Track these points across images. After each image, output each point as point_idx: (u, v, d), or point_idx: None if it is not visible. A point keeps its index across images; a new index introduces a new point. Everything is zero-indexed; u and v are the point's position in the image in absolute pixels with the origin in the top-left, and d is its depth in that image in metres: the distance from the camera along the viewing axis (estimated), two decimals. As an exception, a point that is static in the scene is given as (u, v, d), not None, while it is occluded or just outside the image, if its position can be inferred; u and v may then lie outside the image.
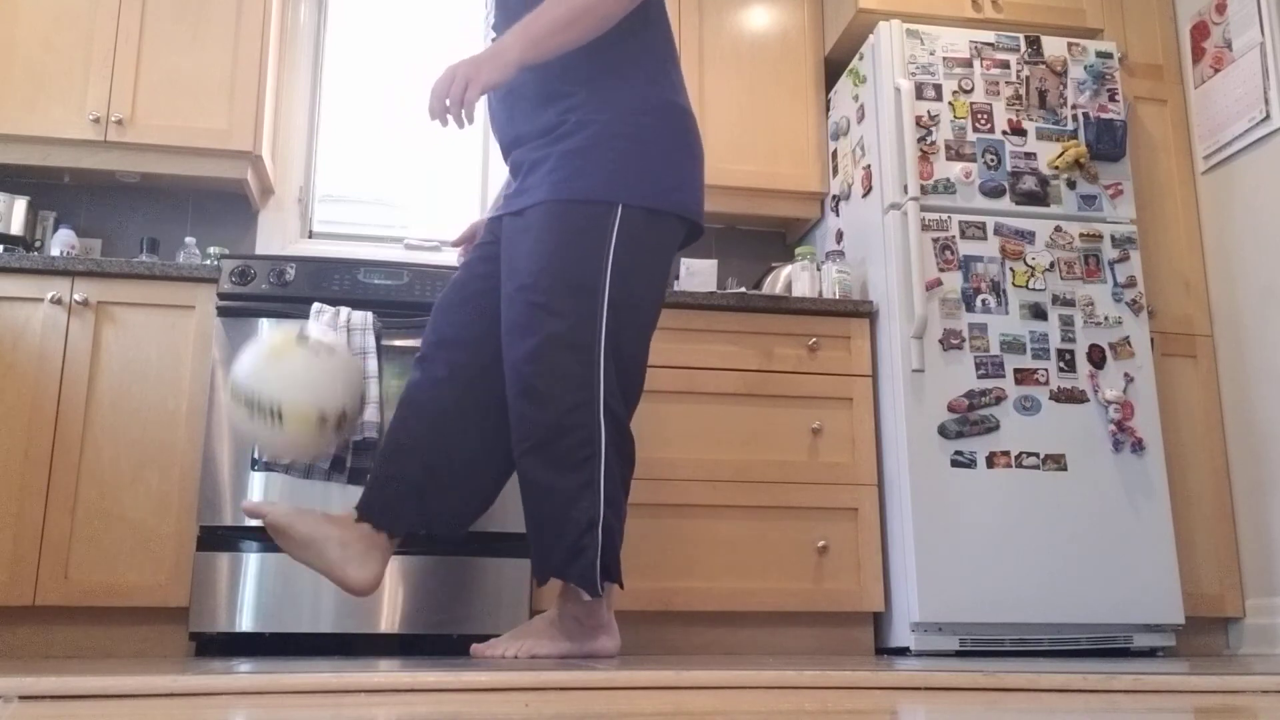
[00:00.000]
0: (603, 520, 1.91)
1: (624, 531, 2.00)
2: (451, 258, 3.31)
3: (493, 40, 2.12)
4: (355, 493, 2.56)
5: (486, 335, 2.08)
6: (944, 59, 3.08)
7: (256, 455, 2.57)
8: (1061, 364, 2.93)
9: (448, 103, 1.88)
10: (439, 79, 1.90)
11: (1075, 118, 3.11)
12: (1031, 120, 3.09)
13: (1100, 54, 3.18)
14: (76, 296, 2.64)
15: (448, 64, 1.91)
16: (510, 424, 1.99)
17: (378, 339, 2.54)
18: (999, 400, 2.87)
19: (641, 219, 2.00)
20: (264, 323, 2.65)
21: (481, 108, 2.89)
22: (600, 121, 2.02)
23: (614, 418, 1.95)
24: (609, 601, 2.02)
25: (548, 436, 1.93)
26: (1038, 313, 2.95)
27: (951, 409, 2.84)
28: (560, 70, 2.05)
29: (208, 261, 2.95)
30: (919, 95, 3.04)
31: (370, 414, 2.49)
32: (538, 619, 2.07)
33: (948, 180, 3.00)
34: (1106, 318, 2.98)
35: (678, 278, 3.45)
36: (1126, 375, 2.95)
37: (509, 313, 2.01)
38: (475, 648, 2.05)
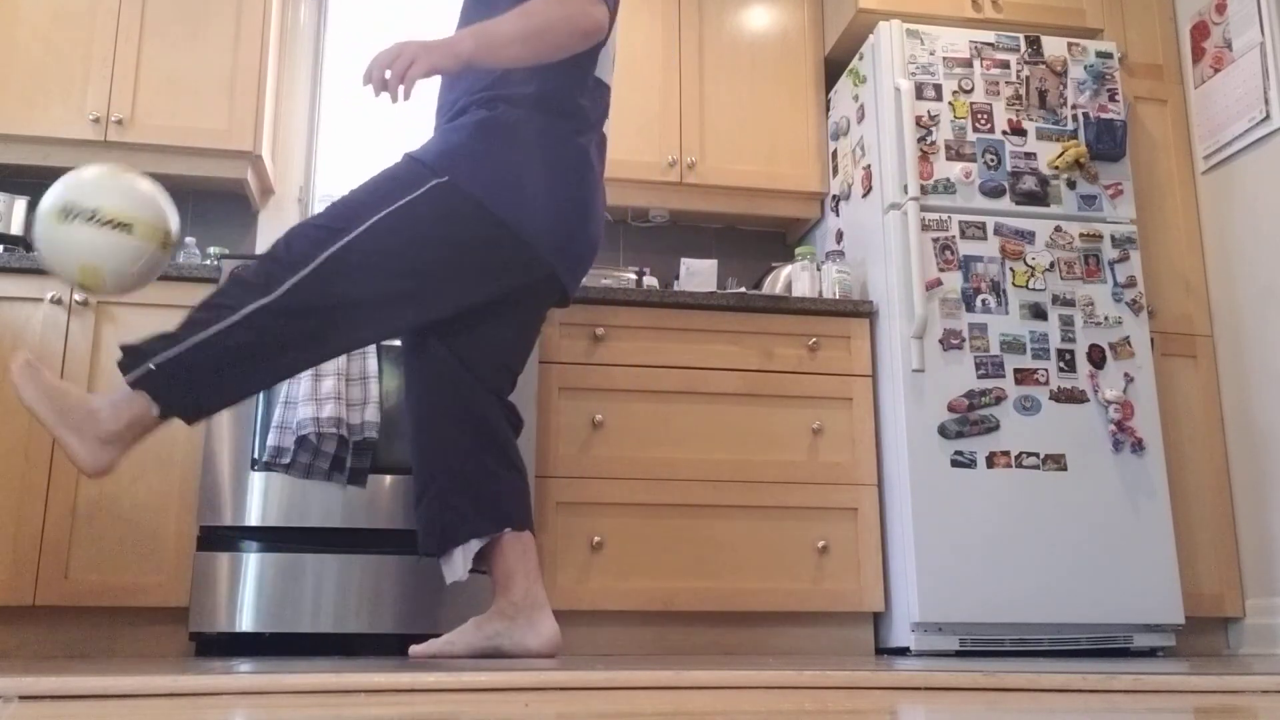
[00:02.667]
0: (185, 348, 1.86)
1: (201, 389, 1.90)
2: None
3: None
4: (355, 493, 2.57)
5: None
6: (944, 59, 3.08)
7: (257, 455, 2.56)
8: (1061, 364, 2.93)
9: (388, 74, 1.87)
10: (384, 50, 1.89)
11: (1075, 118, 3.11)
12: (1031, 120, 3.09)
13: (1100, 54, 3.18)
14: (76, 296, 2.64)
15: (395, 44, 1.90)
16: None
17: (377, 339, 2.53)
18: (999, 400, 2.87)
19: (459, 203, 1.96)
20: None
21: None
22: (496, 120, 2.02)
23: (285, 306, 1.90)
24: (126, 423, 1.89)
25: (238, 273, 1.95)
26: (1038, 313, 2.95)
27: (951, 409, 2.84)
28: (488, 83, 2.06)
29: (208, 261, 2.95)
30: (919, 95, 3.04)
31: (370, 414, 2.49)
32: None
33: (948, 180, 3.00)
34: (1106, 318, 2.98)
35: (677, 278, 3.45)
36: (1126, 375, 2.95)
37: None
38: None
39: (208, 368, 1.88)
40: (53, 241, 1.85)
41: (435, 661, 1.87)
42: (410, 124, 3.60)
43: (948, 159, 3.01)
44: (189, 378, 1.88)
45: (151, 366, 1.86)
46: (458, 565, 2.05)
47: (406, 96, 1.88)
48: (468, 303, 2.02)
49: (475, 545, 2.04)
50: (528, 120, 2.03)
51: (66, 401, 1.87)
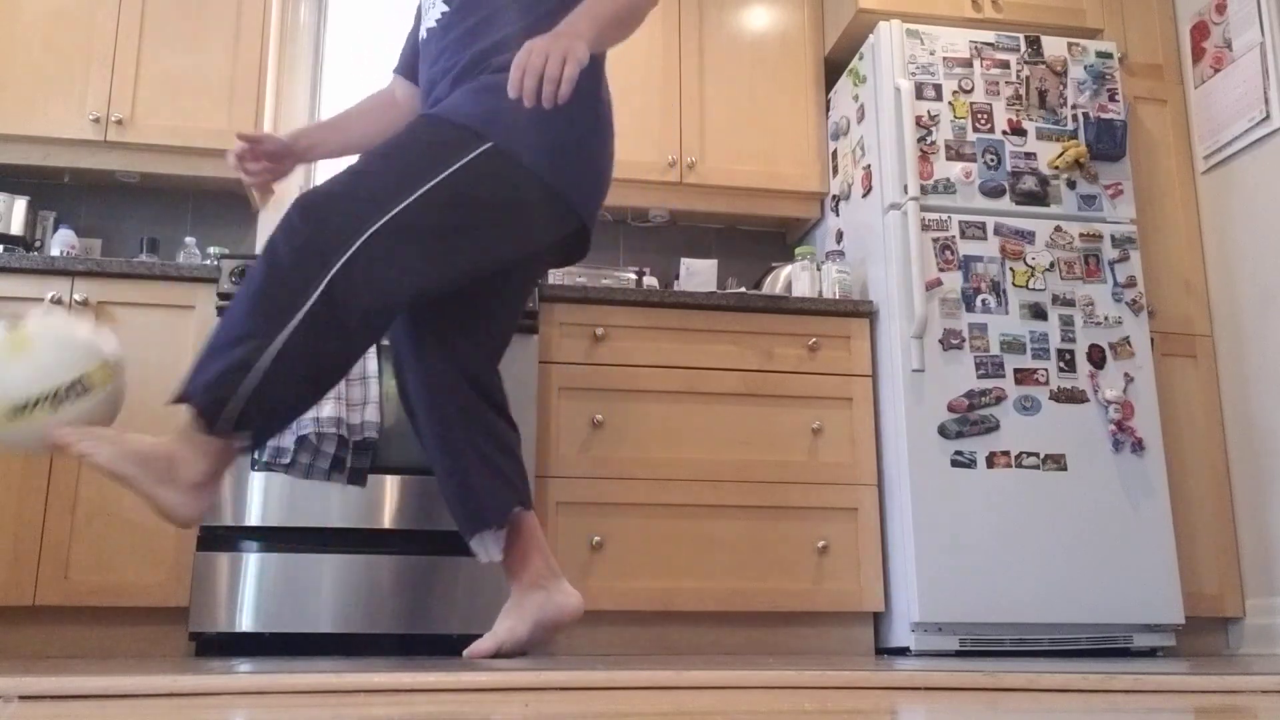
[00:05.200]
0: (263, 371, 1.71)
1: (283, 408, 1.79)
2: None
3: (468, 28, 2.02)
4: (355, 493, 2.57)
5: None
6: (944, 59, 3.08)
7: (257, 455, 2.56)
8: (1061, 364, 2.93)
9: (545, 78, 1.73)
10: (533, 56, 1.73)
11: (1075, 118, 3.11)
12: (1031, 120, 3.09)
13: (1100, 54, 3.18)
14: (76, 296, 2.64)
15: (531, 44, 1.77)
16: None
17: (377, 339, 2.53)
18: (999, 400, 2.87)
19: (504, 167, 1.88)
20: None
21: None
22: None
23: (337, 297, 1.76)
24: (212, 461, 1.75)
25: (272, 263, 1.77)
26: (1038, 313, 2.95)
27: (951, 409, 2.84)
28: (482, 34, 1.99)
29: (208, 261, 2.95)
30: (919, 95, 3.04)
31: (370, 414, 2.49)
32: (156, 441, 1.76)
33: (948, 180, 3.00)
34: (1106, 318, 2.98)
35: (677, 278, 3.45)
36: (1126, 375, 2.95)
37: None
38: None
39: (280, 383, 1.74)
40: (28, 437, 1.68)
41: (434, 661, 1.87)
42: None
43: (948, 159, 3.01)
44: (263, 399, 1.74)
45: (229, 400, 1.72)
46: (490, 546, 2.05)
47: (568, 96, 1.75)
48: (509, 259, 1.99)
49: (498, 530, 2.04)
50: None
51: (141, 453, 1.70)
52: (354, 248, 1.78)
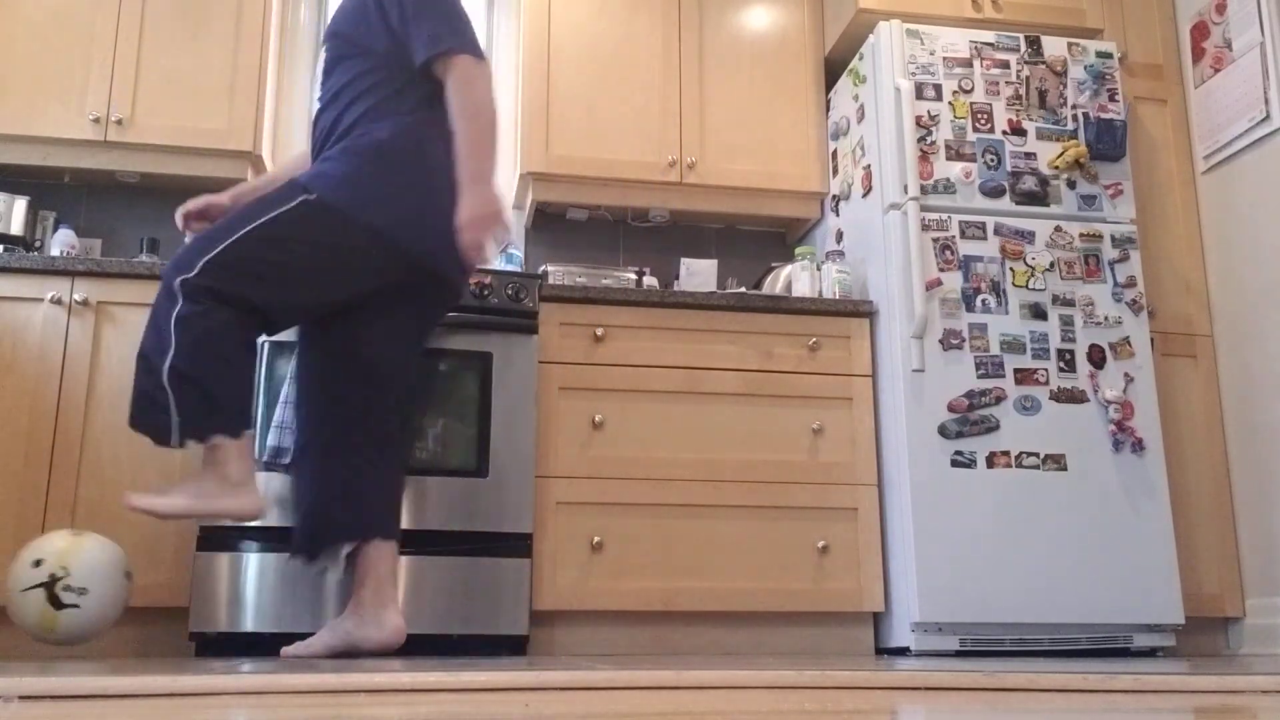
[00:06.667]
0: (167, 374, 2.03)
1: (224, 384, 2.08)
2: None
3: (319, 100, 2.35)
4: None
5: None
6: (944, 59, 3.08)
7: (257, 455, 2.56)
8: (1061, 364, 2.93)
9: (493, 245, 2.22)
10: (480, 232, 2.17)
11: (1075, 118, 3.11)
12: (1031, 120, 3.09)
13: (1100, 54, 3.18)
14: (76, 296, 2.64)
15: (472, 219, 2.17)
16: None
17: (377, 339, 2.54)
18: (999, 400, 2.87)
19: (324, 214, 2.16)
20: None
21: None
22: (352, 142, 2.23)
23: (192, 303, 2.07)
24: (243, 461, 2.11)
25: (154, 304, 2.12)
26: (1038, 313, 2.95)
27: (951, 409, 2.84)
28: (338, 120, 2.28)
29: (208, 261, 2.95)
30: (919, 95, 3.04)
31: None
32: (191, 477, 2.17)
33: (948, 180, 3.00)
34: (1106, 318, 2.98)
35: (677, 278, 3.45)
36: (1126, 375, 2.95)
37: None
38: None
39: (192, 374, 2.05)
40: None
41: (434, 661, 1.87)
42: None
43: (948, 159, 3.01)
44: (206, 400, 2.06)
45: (178, 420, 2.05)
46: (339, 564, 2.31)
47: (507, 240, 2.36)
48: (349, 290, 2.21)
49: (346, 548, 2.25)
50: (376, 137, 2.22)
51: (197, 489, 2.10)
52: (197, 268, 2.09)
